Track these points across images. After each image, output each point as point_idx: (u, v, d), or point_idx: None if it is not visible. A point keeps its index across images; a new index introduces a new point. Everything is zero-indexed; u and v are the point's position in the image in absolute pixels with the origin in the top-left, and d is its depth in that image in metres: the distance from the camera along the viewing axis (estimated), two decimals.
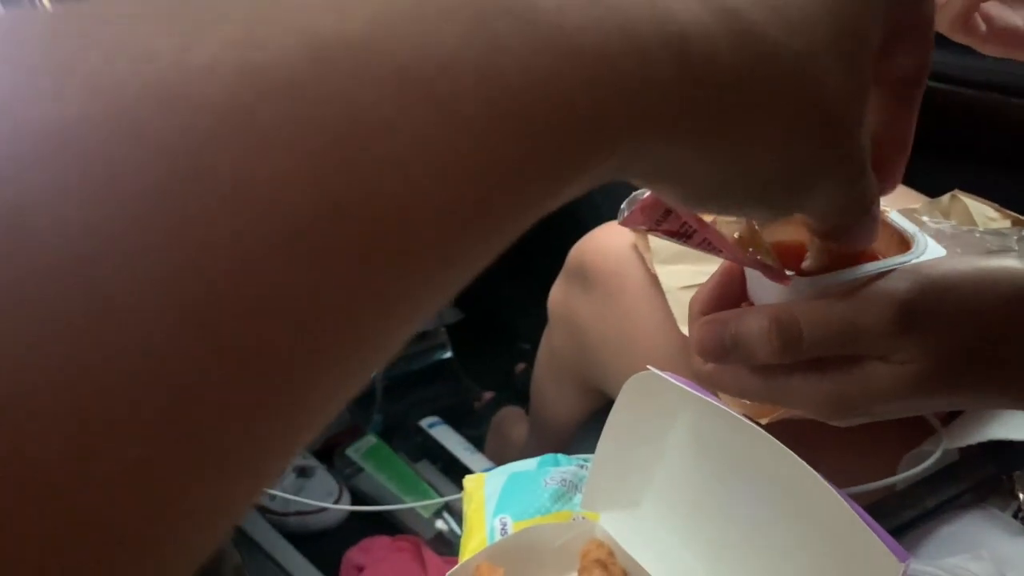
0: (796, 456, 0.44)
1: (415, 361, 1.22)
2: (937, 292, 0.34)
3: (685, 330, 0.56)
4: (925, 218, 0.58)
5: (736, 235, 0.36)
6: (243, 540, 0.95)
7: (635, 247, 0.63)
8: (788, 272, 0.36)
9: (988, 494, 0.51)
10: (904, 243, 0.38)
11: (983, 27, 0.41)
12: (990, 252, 0.54)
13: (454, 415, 1.14)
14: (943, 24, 0.41)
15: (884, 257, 0.37)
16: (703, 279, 0.61)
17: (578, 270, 0.67)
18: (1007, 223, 0.62)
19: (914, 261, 0.35)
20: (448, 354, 1.24)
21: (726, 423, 0.48)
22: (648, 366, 0.50)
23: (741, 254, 0.35)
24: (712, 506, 0.51)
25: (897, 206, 0.64)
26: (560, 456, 0.63)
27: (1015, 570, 0.48)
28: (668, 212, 0.33)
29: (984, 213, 0.64)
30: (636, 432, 0.53)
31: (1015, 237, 0.58)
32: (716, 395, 0.52)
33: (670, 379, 0.49)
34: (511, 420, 1.05)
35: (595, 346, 0.65)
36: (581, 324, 0.66)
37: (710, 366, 0.38)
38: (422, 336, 1.25)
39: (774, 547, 0.48)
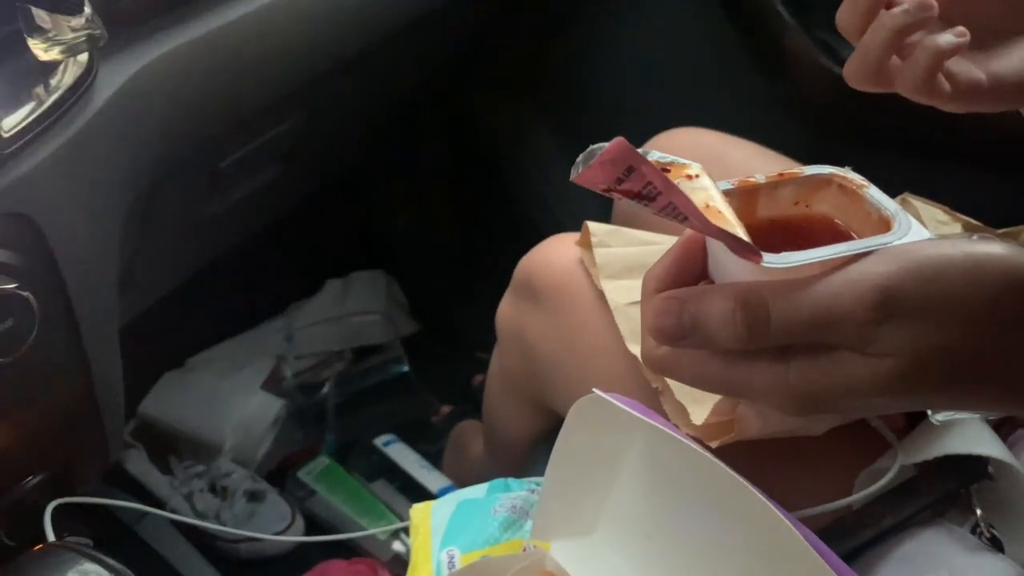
0: (747, 484, 0.42)
1: (370, 376, 1.19)
2: (922, 278, 0.31)
3: (634, 349, 0.54)
4: None
5: (703, 203, 0.32)
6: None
7: (581, 262, 0.61)
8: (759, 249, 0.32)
9: (947, 509, 0.50)
10: (884, 223, 0.34)
11: (947, 87, 0.38)
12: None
13: (411, 431, 1.11)
14: (905, 87, 0.38)
15: (862, 235, 0.34)
16: None
17: (525, 285, 0.65)
18: (957, 227, 0.61)
19: (897, 242, 0.32)
20: (404, 368, 1.21)
21: (676, 450, 0.46)
22: (594, 389, 0.48)
23: (709, 224, 0.31)
24: (665, 535, 0.49)
25: None
26: (511, 481, 0.60)
27: None
28: (631, 169, 0.29)
29: (934, 217, 0.63)
30: (586, 458, 0.51)
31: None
32: (667, 419, 0.50)
33: (618, 403, 0.47)
34: (469, 434, 1.02)
35: (545, 364, 0.63)
36: (530, 341, 0.64)
37: (664, 350, 0.34)
38: (377, 350, 1.22)
39: (727, 574, 0.46)
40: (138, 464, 1.01)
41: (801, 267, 0.31)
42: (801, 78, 0.84)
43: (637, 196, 0.30)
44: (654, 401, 0.52)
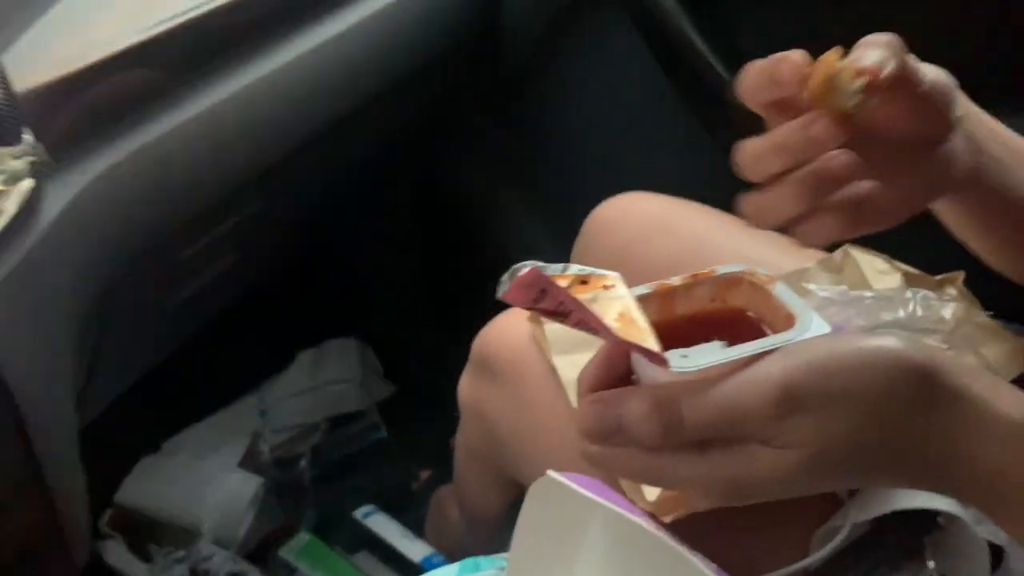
0: (695, 560, 0.43)
1: (347, 445, 1.19)
2: (821, 374, 0.33)
3: None
4: (812, 286, 0.59)
5: (618, 312, 0.34)
6: None
7: (534, 337, 0.62)
8: (668, 353, 0.34)
9: (903, 563, 0.51)
10: (790, 318, 0.37)
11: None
12: (874, 328, 0.54)
13: (392, 498, 1.11)
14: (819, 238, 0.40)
15: (772, 330, 0.36)
16: None
17: (481, 361, 0.66)
18: (897, 276, 0.62)
19: (797, 340, 0.34)
20: (382, 434, 1.21)
21: (632, 531, 0.47)
22: (549, 471, 0.49)
23: (618, 337, 0.33)
24: None
25: (793, 264, 0.65)
26: (481, 560, 0.61)
27: None
28: (543, 291, 0.32)
29: (875, 267, 0.64)
30: (548, 537, 0.52)
31: (901, 298, 0.58)
32: (621, 491, 0.51)
33: (573, 485, 0.48)
34: (449, 500, 1.02)
35: (506, 439, 0.63)
36: (490, 417, 0.65)
37: (596, 448, 0.36)
38: (353, 418, 1.22)
39: None
40: (117, 555, 1.00)
41: (710, 368, 0.33)
42: (743, 133, 0.86)
43: (554, 314, 0.32)
44: (612, 477, 0.53)
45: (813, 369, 0.33)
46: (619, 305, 0.34)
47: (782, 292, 0.36)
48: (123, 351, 0.80)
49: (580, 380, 0.37)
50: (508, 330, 0.65)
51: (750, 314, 0.37)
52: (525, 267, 0.31)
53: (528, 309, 0.32)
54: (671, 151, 0.99)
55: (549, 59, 1.05)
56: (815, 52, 0.40)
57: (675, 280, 0.38)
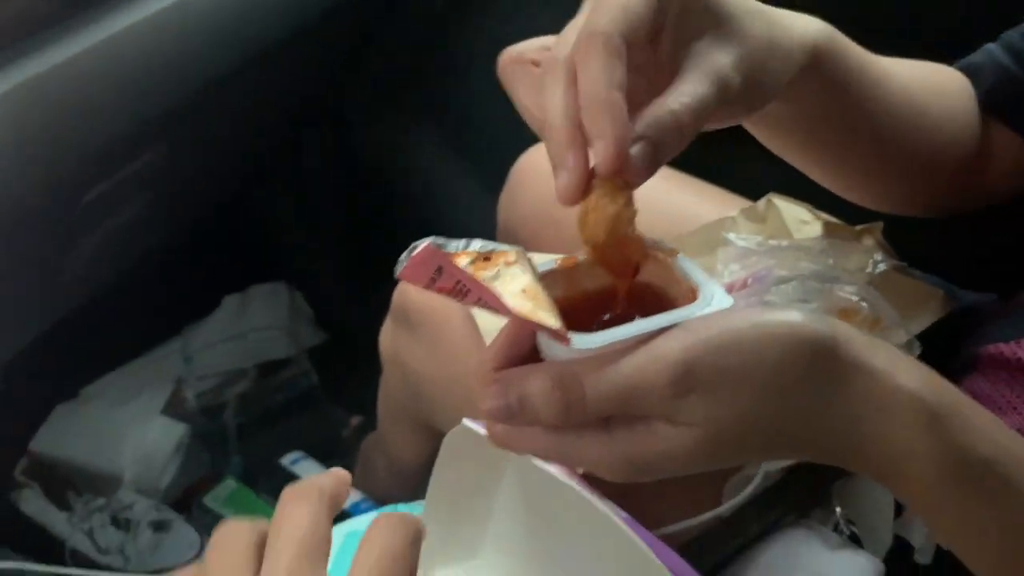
0: (604, 508, 0.43)
1: (276, 393, 1.17)
2: (716, 352, 0.32)
3: None
4: (732, 236, 0.58)
5: (521, 288, 0.34)
6: None
7: None
8: (571, 332, 0.34)
9: (811, 510, 0.52)
10: (692, 291, 0.36)
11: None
12: (793, 277, 0.54)
13: (322, 446, 1.10)
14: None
15: (677, 304, 0.35)
16: None
17: (402, 312, 0.65)
18: (818, 226, 0.63)
19: (698, 314, 0.34)
20: (312, 381, 1.20)
21: (542, 478, 0.47)
22: (464, 419, 0.49)
23: (517, 315, 0.33)
24: (541, 558, 0.49)
25: (716, 213, 0.64)
26: (400, 507, 0.60)
27: None
28: (440, 269, 0.31)
29: (799, 217, 0.64)
30: (463, 486, 0.52)
31: (820, 248, 0.58)
32: None
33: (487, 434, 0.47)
34: (376, 447, 1.02)
35: (426, 389, 0.63)
36: (410, 367, 0.64)
37: (501, 426, 0.36)
38: (283, 364, 1.20)
39: None
40: (33, 503, 0.98)
41: (611, 345, 0.33)
42: None
43: (452, 293, 0.31)
44: None
45: (710, 346, 0.32)
46: (522, 281, 0.33)
47: (684, 264, 0.36)
48: (37, 293, 0.76)
49: (482, 360, 0.35)
50: None
51: (655, 287, 0.36)
52: (422, 244, 0.30)
53: (426, 289, 0.31)
54: None
55: None
56: None
57: (580, 255, 0.37)
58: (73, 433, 1.04)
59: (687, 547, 0.49)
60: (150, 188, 0.76)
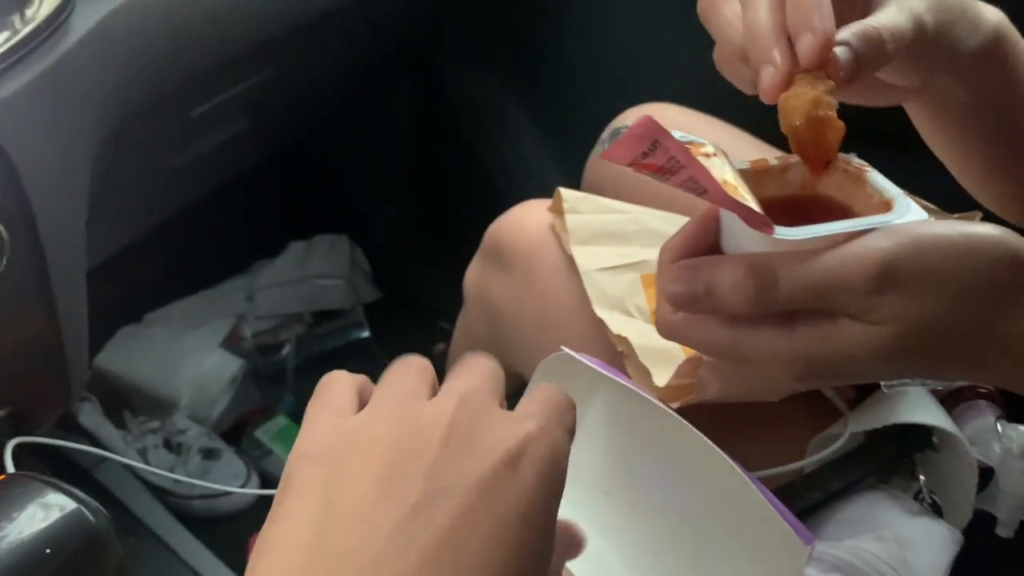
0: (707, 440, 0.44)
1: (329, 340, 1.19)
2: (920, 253, 0.33)
3: (602, 313, 0.55)
4: None
5: (723, 180, 0.34)
6: (136, 525, 0.91)
7: (552, 227, 0.62)
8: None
9: (891, 475, 0.52)
10: (885, 205, 0.36)
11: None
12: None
13: None
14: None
15: (862, 216, 0.36)
16: (620, 260, 0.60)
17: (494, 250, 0.66)
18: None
19: (897, 221, 0.34)
20: (365, 333, 1.21)
21: (640, 407, 0.48)
22: (562, 347, 0.49)
23: (727, 196, 0.33)
24: (623, 491, 0.50)
25: None
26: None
27: (914, 548, 0.49)
28: (656, 143, 0.31)
29: None
30: None
31: None
32: (628, 377, 0.52)
33: (584, 360, 0.48)
34: None
35: (510, 328, 0.63)
36: (497, 305, 0.65)
37: (678, 316, 0.36)
38: (338, 314, 1.21)
39: (684, 530, 0.48)
40: (92, 417, 1.00)
41: (809, 240, 0.33)
42: None
43: (660, 170, 0.32)
44: (618, 364, 0.53)
45: (914, 247, 0.32)
46: (719, 172, 0.34)
47: (877, 178, 0.36)
48: (123, 206, 0.78)
49: (662, 251, 0.36)
50: (523, 220, 0.65)
51: (841, 202, 0.37)
52: (632, 123, 0.30)
53: (630, 165, 0.32)
54: (688, 76, 0.97)
55: None
56: None
57: (771, 160, 0.38)
58: (135, 355, 1.07)
59: None
60: (249, 111, 0.78)
